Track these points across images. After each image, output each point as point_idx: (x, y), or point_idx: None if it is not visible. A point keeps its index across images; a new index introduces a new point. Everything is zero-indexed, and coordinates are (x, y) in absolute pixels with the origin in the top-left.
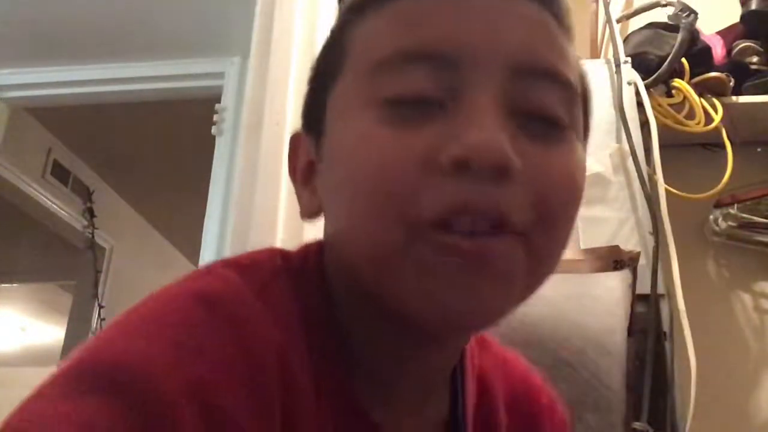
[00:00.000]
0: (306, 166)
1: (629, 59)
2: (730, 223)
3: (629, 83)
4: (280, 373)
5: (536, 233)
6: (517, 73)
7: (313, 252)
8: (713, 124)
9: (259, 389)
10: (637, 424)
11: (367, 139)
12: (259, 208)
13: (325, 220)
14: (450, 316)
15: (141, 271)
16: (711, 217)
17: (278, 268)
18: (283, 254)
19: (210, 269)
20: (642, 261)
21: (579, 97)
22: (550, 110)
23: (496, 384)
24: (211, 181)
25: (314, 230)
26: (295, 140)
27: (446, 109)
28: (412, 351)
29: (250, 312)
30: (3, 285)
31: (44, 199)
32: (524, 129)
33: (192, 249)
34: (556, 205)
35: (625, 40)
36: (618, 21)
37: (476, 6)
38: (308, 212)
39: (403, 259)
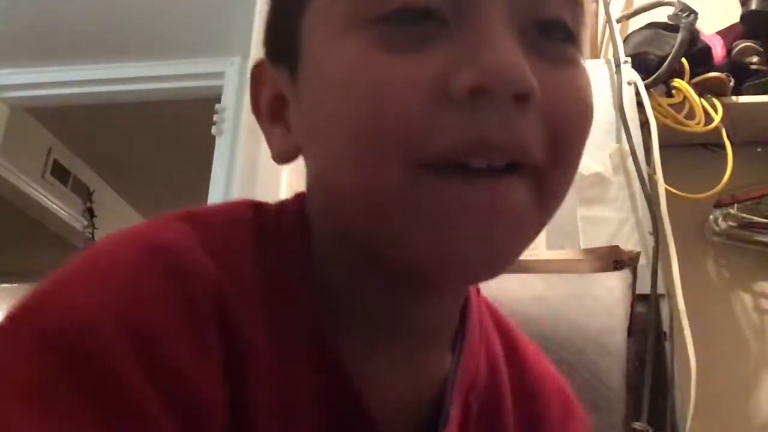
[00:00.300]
0: (273, 101)
1: (629, 59)
2: (730, 223)
3: (629, 83)
4: (220, 325)
5: (550, 168)
6: None
7: (292, 202)
8: (713, 124)
9: (200, 339)
10: (637, 424)
11: (362, 66)
12: None
13: (307, 162)
14: (460, 266)
15: None
16: (711, 217)
17: (241, 219)
18: (257, 207)
19: (162, 219)
20: (642, 261)
21: (584, 8)
22: (560, 19)
23: (503, 368)
24: (211, 181)
25: None
26: (257, 72)
27: (450, 28)
28: (403, 306)
29: (193, 262)
30: (3, 285)
31: (44, 199)
32: (534, 48)
33: None
34: (572, 135)
35: (625, 40)
36: (618, 21)
37: None
38: (282, 155)
39: (408, 204)
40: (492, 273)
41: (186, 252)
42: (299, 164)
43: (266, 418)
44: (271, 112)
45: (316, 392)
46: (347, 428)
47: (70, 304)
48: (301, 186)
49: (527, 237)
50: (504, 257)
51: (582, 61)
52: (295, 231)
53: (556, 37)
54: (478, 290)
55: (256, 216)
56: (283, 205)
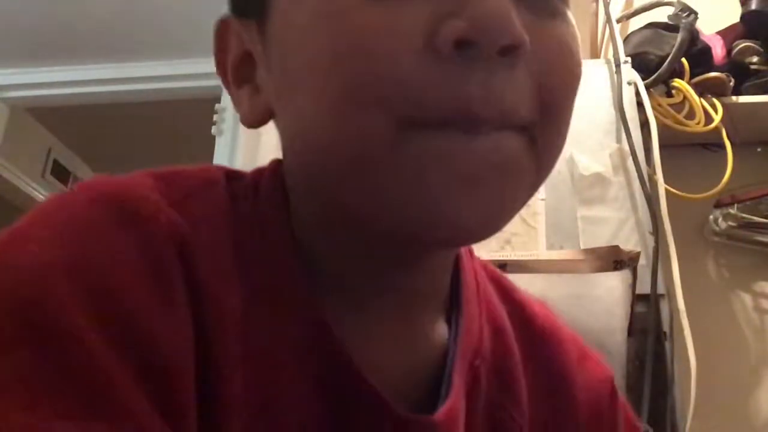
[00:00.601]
0: (240, 60)
1: (629, 59)
2: (730, 223)
3: (629, 83)
4: (184, 279)
5: (540, 126)
6: None
7: (268, 168)
8: (713, 124)
9: (162, 291)
10: None
11: (343, 17)
12: None
13: (280, 124)
14: (450, 225)
15: None
16: (711, 217)
17: (213, 180)
18: (229, 172)
19: (126, 174)
20: (642, 261)
21: None
22: None
23: (509, 330)
24: None
25: None
26: (222, 29)
27: None
28: (386, 269)
29: (153, 210)
30: None
31: (44, 198)
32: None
33: None
34: (562, 91)
35: (625, 40)
36: (618, 21)
37: None
38: (252, 118)
39: (394, 160)
40: (483, 232)
41: (144, 200)
42: None
43: (243, 385)
44: (238, 72)
45: (300, 355)
46: (339, 391)
47: (19, 262)
48: None
49: (521, 199)
50: (497, 215)
51: (569, 14)
52: (272, 194)
53: None
54: (471, 253)
55: (229, 180)
56: (259, 171)
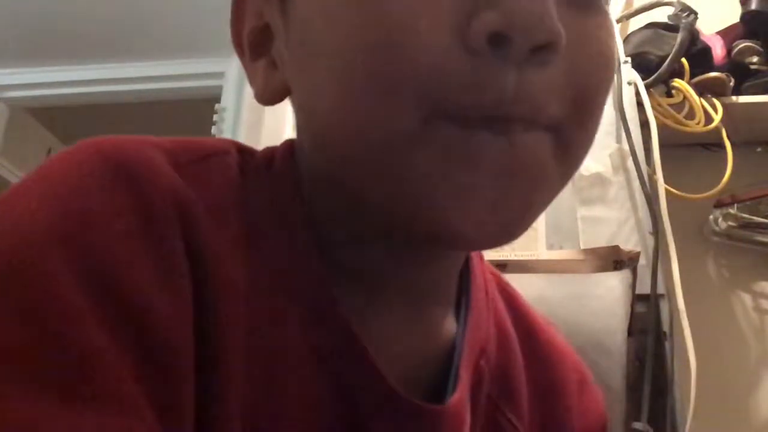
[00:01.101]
0: (257, 33)
1: (629, 59)
2: (730, 223)
3: (629, 83)
4: (186, 248)
5: (570, 126)
6: None
7: (281, 147)
8: (713, 124)
9: (161, 260)
10: (637, 424)
11: (376, 1)
12: None
13: (298, 102)
14: (473, 232)
15: None
16: (711, 217)
17: (224, 151)
18: (242, 147)
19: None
20: (642, 261)
21: None
22: None
23: (513, 334)
24: None
25: None
26: (240, 1)
27: None
28: (401, 261)
29: (156, 174)
30: None
31: None
32: None
33: None
34: (596, 90)
35: (625, 40)
36: (618, 21)
37: None
38: (267, 93)
39: (418, 157)
40: (504, 238)
41: (145, 160)
42: None
43: (244, 360)
44: (254, 44)
45: (307, 334)
46: (346, 374)
47: (11, 224)
48: None
49: (546, 199)
50: (519, 221)
51: (607, 8)
52: (286, 172)
53: None
54: (480, 256)
55: (240, 153)
56: (270, 149)
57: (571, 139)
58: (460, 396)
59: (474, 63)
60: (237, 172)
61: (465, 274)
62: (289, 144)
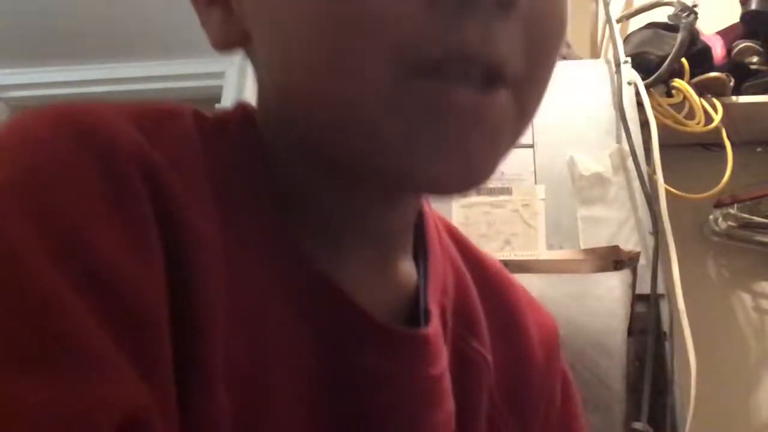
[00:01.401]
0: None
1: (629, 59)
2: (730, 223)
3: (629, 83)
4: (155, 209)
5: (528, 84)
6: None
7: (235, 110)
8: (713, 124)
9: (129, 223)
10: (637, 424)
11: None
12: None
13: (258, 52)
14: (439, 179)
15: None
16: (711, 217)
17: (183, 114)
18: (197, 111)
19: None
20: (642, 261)
21: None
22: None
23: (468, 278)
24: None
25: None
26: None
27: None
28: (364, 209)
29: (120, 133)
30: None
31: None
32: None
33: None
34: (549, 46)
35: (625, 40)
36: (618, 21)
37: None
38: (223, 40)
39: (389, 107)
40: (471, 183)
41: (106, 122)
42: None
43: (226, 318)
44: None
45: (284, 286)
46: (328, 317)
47: None
48: None
49: (503, 152)
50: (481, 170)
51: None
52: (244, 130)
53: None
54: (428, 203)
55: (196, 116)
56: (224, 111)
57: (527, 98)
58: (434, 326)
59: (441, 13)
60: (196, 134)
61: (419, 222)
62: (243, 105)
